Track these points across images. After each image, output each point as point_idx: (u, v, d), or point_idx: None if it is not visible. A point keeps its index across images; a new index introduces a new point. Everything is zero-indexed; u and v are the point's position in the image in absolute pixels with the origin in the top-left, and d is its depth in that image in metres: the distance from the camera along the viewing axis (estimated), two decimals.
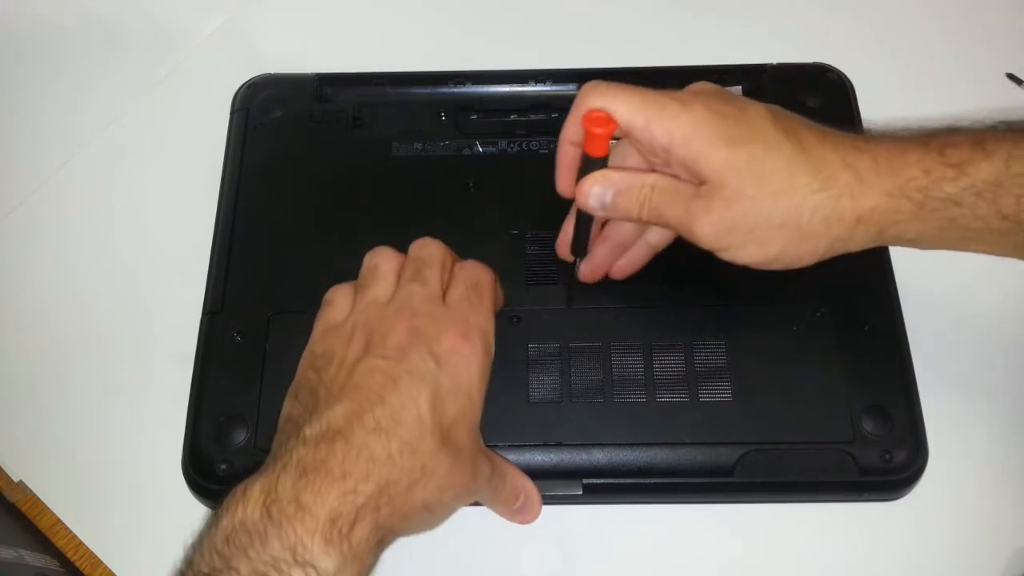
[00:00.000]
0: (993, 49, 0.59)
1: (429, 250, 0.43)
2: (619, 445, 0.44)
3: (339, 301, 0.42)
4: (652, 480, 0.44)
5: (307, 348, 0.41)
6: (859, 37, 0.60)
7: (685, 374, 0.45)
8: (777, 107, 0.41)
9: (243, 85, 0.56)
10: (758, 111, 0.40)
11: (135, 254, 0.54)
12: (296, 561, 0.32)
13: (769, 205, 0.38)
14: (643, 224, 0.44)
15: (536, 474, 0.44)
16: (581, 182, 0.41)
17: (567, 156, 0.43)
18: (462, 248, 0.49)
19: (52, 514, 0.47)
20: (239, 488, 0.35)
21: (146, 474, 0.47)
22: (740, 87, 0.55)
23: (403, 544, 0.44)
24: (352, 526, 0.34)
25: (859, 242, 0.39)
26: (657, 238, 0.46)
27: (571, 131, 0.42)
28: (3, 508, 0.47)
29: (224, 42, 0.62)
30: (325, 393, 0.38)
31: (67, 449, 0.48)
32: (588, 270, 0.47)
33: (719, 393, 0.44)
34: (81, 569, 0.46)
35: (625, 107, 0.40)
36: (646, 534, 0.45)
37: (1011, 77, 0.58)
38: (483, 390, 0.39)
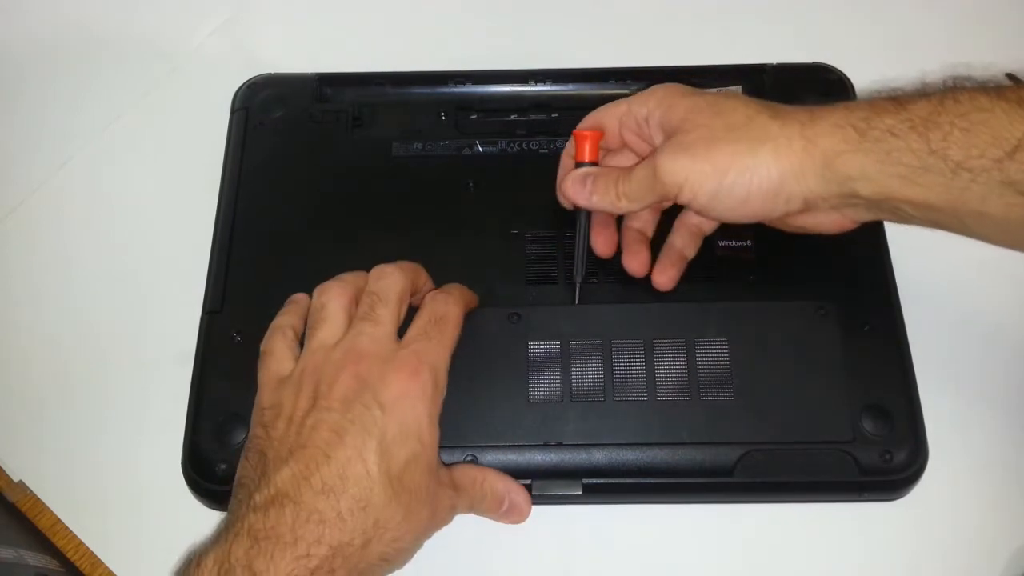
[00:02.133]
0: (993, 49, 0.59)
1: (387, 283, 0.42)
2: (619, 445, 0.44)
3: (277, 350, 0.42)
4: (652, 480, 0.44)
5: (256, 401, 0.41)
6: (859, 37, 0.60)
7: (687, 372, 0.45)
8: None
9: (243, 85, 0.56)
10: (727, 93, 0.46)
11: (135, 254, 0.54)
12: None
13: (724, 131, 0.41)
14: (623, 203, 0.45)
15: (536, 474, 0.44)
16: (566, 178, 0.46)
17: (566, 169, 0.48)
18: (462, 248, 0.49)
19: (52, 514, 0.47)
20: (192, 560, 0.35)
21: (146, 474, 0.47)
22: (739, 87, 0.55)
23: None
24: None
25: (810, 179, 0.40)
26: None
27: (568, 146, 0.48)
28: (3, 508, 0.47)
29: (224, 42, 0.62)
30: (273, 454, 0.38)
31: (67, 449, 0.48)
32: (637, 265, 0.48)
33: (720, 392, 0.44)
34: (81, 569, 0.46)
35: (609, 111, 0.47)
36: (646, 534, 0.45)
37: (1011, 77, 0.58)
38: (434, 429, 0.39)
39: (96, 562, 0.46)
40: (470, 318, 0.45)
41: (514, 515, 0.43)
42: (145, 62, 0.61)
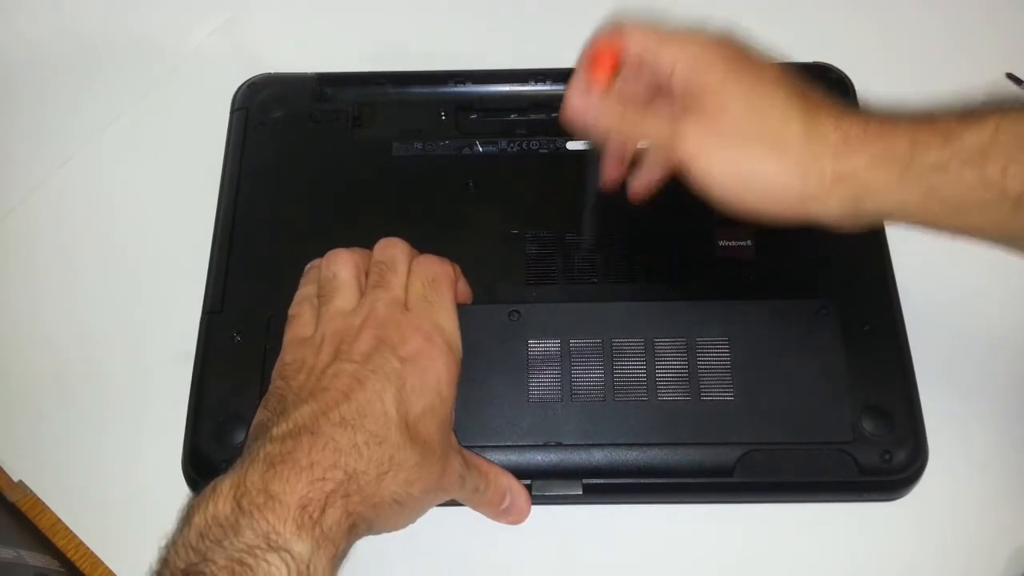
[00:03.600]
0: (993, 49, 0.59)
1: (392, 252, 0.43)
2: (619, 445, 0.44)
3: (304, 315, 0.43)
4: (652, 480, 0.44)
5: (278, 360, 0.42)
6: (859, 37, 0.60)
7: (687, 372, 0.45)
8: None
9: (243, 85, 0.56)
10: (767, 57, 0.41)
11: (135, 254, 0.54)
12: (270, 547, 0.33)
13: (754, 122, 0.39)
14: (624, 139, 0.44)
15: (536, 474, 0.44)
16: (570, 86, 0.43)
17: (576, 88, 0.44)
18: (462, 248, 0.49)
19: (52, 514, 0.47)
20: (208, 487, 0.35)
21: (146, 474, 0.47)
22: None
23: (403, 544, 0.44)
24: (322, 511, 0.34)
25: (834, 206, 0.39)
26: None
27: (581, 61, 0.44)
28: (3, 508, 0.47)
29: (224, 42, 0.62)
30: (293, 397, 0.39)
31: (67, 449, 0.48)
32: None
33: (721, 392, 0.44)
34: (81, 569, 0.46)
35: (636, 38, 0.42)
36: (646, 534, 0.45)
37: (1011, 77, 0.58)
38: (452, 387, 0.40)
39: (96, 562, 0.46)
40: (470, 314, 0.45)
41: (513, 515, 0.43)
42: (145, 62, 0.60)
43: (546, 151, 0.53)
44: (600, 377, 0.45)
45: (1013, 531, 0.45)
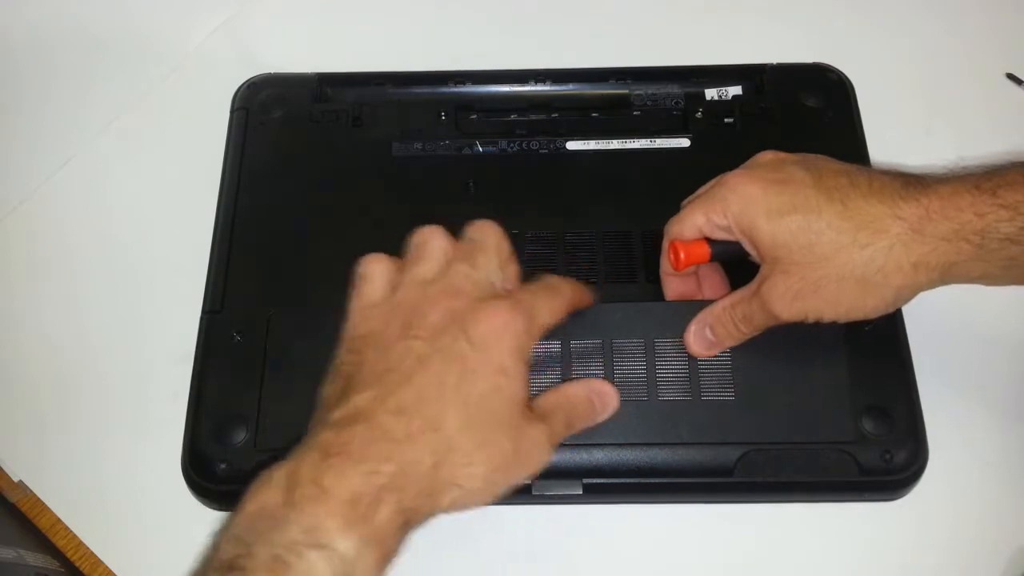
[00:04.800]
0: (993, 49, 0.59)
1: (485, 233, 0.42)
2: (619, 445, 0.44)
3: (376, 277, 0.41)
4: (652, 480, 0.44)
5: (346, 328, 0.41)
6: (859, 37, 0.60)
7: (687, 372, 0.45)
8: (824, 163, 0.42)
9: (243, 85, 0.56)
10: (801, 175, 0.41)
11: (135, 253, 0.54)
12: (314, 543, 0.32)
13: (822, 267, 0.40)
14: (751, 335, 0.44)
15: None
16: (686, 334, 0.45)
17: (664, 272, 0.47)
18: None
19: (52, 514, 0.47)
20: (264, 474, 0.35)
21: (146, 474, 0.47)
22: (740, 85, 0.55)
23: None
24: (375, 508, 0.34)
25: (925, 284, 0.40)
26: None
27: (664, 264, 0.47)
28: (3, 508, 0.47)
29: (224, 42, 0.62)
30: (359, 378, 0.38)
31: (67, 449, 0.48)
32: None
33: (721, 392, 0.44)
34: (81, 569, 0.46)
35: (686, 222, 0.44)
36: (646, 534, 0.45)
37: (1011, 77, 0.58)
38: (520, 365, 0.38)
39: (96, 562, 0.46)
40: None
41: (607, 406, 0.42)
42: (145, 62, 0.60)
43: (546, 151, 0.53)
44: (601, 376, 0.44)
45: (1013, 531, 0.45)
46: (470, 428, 0.36)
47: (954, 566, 0.44)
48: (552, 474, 0.44)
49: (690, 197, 0.46)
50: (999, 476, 0.46)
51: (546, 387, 0.44)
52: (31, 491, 0.47)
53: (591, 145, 0.53)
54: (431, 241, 0.42)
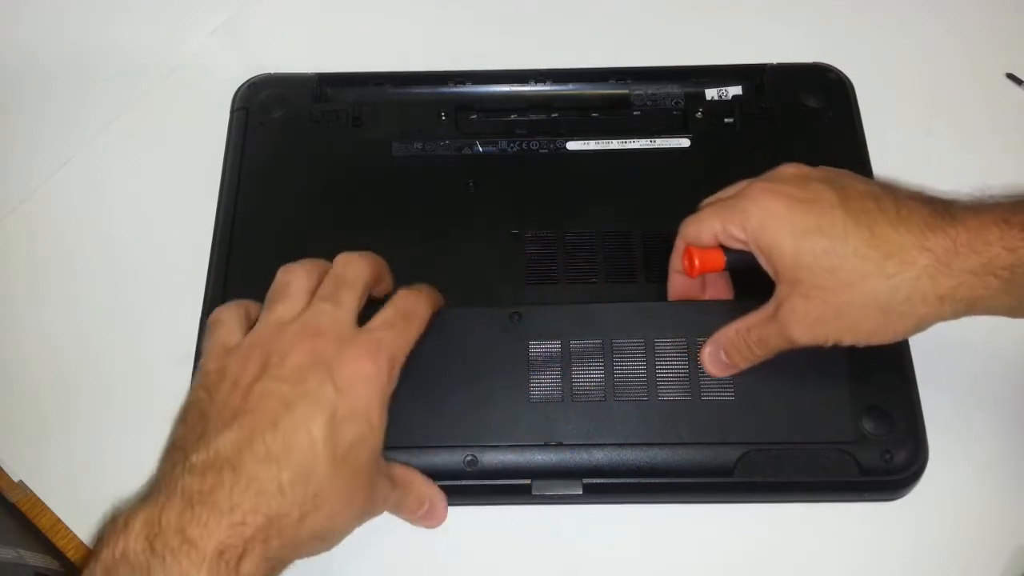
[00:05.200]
0: (993, 49, 0.59)
1: (353, 268, 0.42)
2: (619, 445, 0.44)
3: (228, 320, 0.41)
4: (652, 480, 0.44)
5: (199, 367, 0.40)
6: (859, 37, 0.60)
7: (688, 372, 0.44)
8: (850, 182, 0.41)
9: (243, 85, 0.56)
10: (828, 196, 0.40)
11: (135, 254, 0.54)
12: None
13: (845, 294, 0.39)
14: (766, 358, 0.43)
15: (536, 474, 0.44)
16: (700, 354, 0.44)
17: (675, 271, 0.46)
18: (462, 248, 0.49)
19: (52, 514, 0.47)
20: (119, 519, 0.34)
21: (146, 474, 0.47)
22: (740, 85, 0.55)
23: (403, 543, 0.44)
24: (240, 559, 0.33)
25: (950, 316, 0.39)
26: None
27: (676, 263, 0.45)
28: (3, 508, 0.47)
29: (224, 42, 0.62)
30: (216, 416, 0.37)
31: (67, 449, 0.48)
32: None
33: (722, 392, 0.44)
34: (81, 569, 0.46)
35: (703, 226, 0.43)
36: (646, 534, 0.45)
37: (1011, 77, 0.58)
38: (383, 415, 0.38)
39: None
40: (470, 315, 0.45)
41: (429, 519, 0.43)
42: (145, 62, 0.60)
43: (546, 151, 0.53)
44: (601, 377, 0.45)
45: (1013, 531, 0.45)
46: (337, 479, 0.36)
47: (954, 566, 0.44)
48: (552, 474, 0.44)
49: (710, 198, 0.44)
50: (999, 476, 0.46)
51: (546, 387, 0.45)
52: (31, 491, 0.47)
53: (591, 145, 0.53)
54: (293, 282, 0.41)
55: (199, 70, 0.60)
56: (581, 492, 0.44)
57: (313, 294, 0.41)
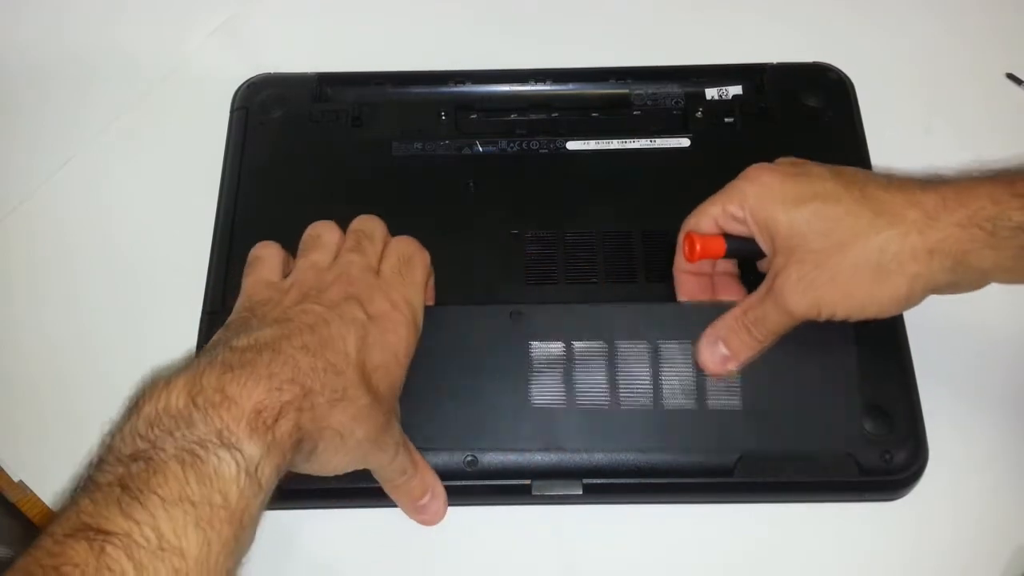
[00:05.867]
0: (993, 49, 0.59)
1: (370, 224, 0.45)
2: (619, 446, 0.44)
3: (269, 259, 0.43)
4: (652, 480, 0.44)
5: (241, 297, 0.42)
6: (859, 37, 0.60)
7: (693, 377, 0.44)
8: (844, 167, 0.43)
9: (243, 84, 0.56)
10: (820, 170, 0.42)
11: (135, 254, 0.54)
12: (222, 443, 0.33)
13: (838, 255, 0.40)
14: (764, 344, 0.43)
15: (536, 474, 0.44)
16: (698, 351, 0.44)
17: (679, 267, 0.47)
18: (462, 248, 0.49)
19: (52, 514, 0.47)
20: (160, 380, 0.35)
21: None
22: (740, 85, 0.55)
23: (402, 543, 0.44)
24: (276, 419, 0.34)
25: (939, 277, 0.39)
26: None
27: (681, 261, 0.46)
28: (3, 508, 0.47)
29: (224, 42, 0.62)
30: (257, 322, 0.39)
31: (67, 449, 0.48)
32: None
33: (727, 396, 0.43)
34: None
35: (704, 213, 0.44)
36: (646, 534, 0.45)
37: (1011, 77, 0.58)
38: (408, 356, 0.41)
39: None
40: (469, 314, 0.45)
41: (427, 515, 0.43)
42: (145, 62, 0.60)
43: (546, 151, 0.53)
44: (604, 381, 0.44)
45: (1013, 531, 0.45)
46: (364, 388, 0.38)
47: (954, 566, 0.44)
48: (552, 474, 0.44)
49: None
50: (999, 476, 0.46)
51: (547, 390, 0.44)
52: (31, 491, 0.47)
53: (591, 145, 0.53)
54: (324, 234, 0.44)
55: (199, 70, 0.60)
56: (581, 492, 0.44)
57: (339, 246, 0.44)
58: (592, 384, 0.44)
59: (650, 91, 0.55)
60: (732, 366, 0.44)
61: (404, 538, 0.44)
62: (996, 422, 0.47)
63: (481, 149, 0.53)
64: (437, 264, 0.46)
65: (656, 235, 0.49)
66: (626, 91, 0.56)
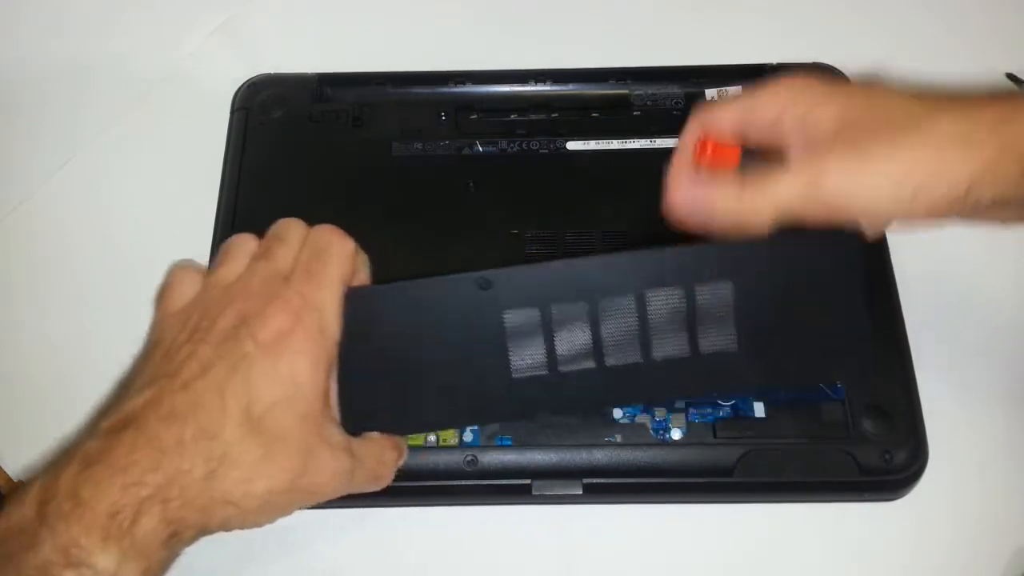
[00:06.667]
0: (993, 49, 0.59)
1: (285, 226, 0.41)
2: (619, 445, 0.44)
3: (178, 285, 0.40)
4: (652, 480, 0.44)
5: (148, 333, 0.40)
6: (859, 37, 0.60)
7: (683, 323, 0.40)
8: None
9: (243, 85, 0.56)
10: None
11: (135, 254, 0.54)
12: (68, 562, 0.30)
13: (887, 129, 0.35)
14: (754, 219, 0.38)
15: (536, 474, 0.44)
16: (671, 184, 0.40)
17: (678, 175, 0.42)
18: (462, 248, 0.49)
19: None
20: (21, 487, 0.33)
21: None
22: (740, 85, 0.55)
23: (401, 542, 0.44)
24: (134, 520, 0.32)
25: (1003, 184, 0.34)
26: None
27: (682, 155, 0.42)
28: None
29: (224, 42, 0.62)
30: (138, 383, 0.36)
31: (116, 382, 0.48)
32: None
33: (723, 341, 0.40)
34: None
35: (724, 112, 0.40)
36: (646, 534, 0.45)
37: (1011, 77, 0.58)
38: (316, 375, 0.36)
39: None
40: (431, 288, 0.40)
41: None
42: (146, 62, 0.60)
43: (546, 151, 0.53)
44: (588, 342, 0.40)
45: (1013, 531, 0.45)
46: (251, 441, 0.34)
47: (954, 566, 0.44)
48: (552, 474, 0.44)
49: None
50: (999, 476, 0.46)
51: (529, 360, 0.40)
52: None
53: (591, 145, 0.53)
54: (234, 247, 0.40)
55: (199, 70, 0.60)
56: (581, 492, 0.44)
57: (251, 254, 0.40)
58: (577, 346, 0.40)
59: (650, 91, 0.55)
60: (695, 217, 0.39)
61: (404, 538, 0.44)
62: (996, 422, 0.47)
63: (481, 149, 0.53)
64: (437, 265, 0.46)
65: (656, 235, 0.49)
66: (626, 91, 0.56)
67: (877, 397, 0.45)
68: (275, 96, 0.55)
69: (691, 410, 0.45)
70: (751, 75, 0.55)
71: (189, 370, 0.35)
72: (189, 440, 0.33)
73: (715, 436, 0.44)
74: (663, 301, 0.40)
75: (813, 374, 0.42)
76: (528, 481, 0.44)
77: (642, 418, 0.45)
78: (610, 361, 0.40)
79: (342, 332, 0.38)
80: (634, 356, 0.40)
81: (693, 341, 0.40)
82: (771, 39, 0.60)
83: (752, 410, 0.45)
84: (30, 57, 0.61)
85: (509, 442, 0.44)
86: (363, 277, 0.41)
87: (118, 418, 0.34)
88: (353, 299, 0.39)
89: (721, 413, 0.45)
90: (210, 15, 0.63)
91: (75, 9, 0.63)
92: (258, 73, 0.57)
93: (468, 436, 0.44)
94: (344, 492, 0.38)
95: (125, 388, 0.36)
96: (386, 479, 0.40)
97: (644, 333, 0.40)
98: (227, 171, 0.53)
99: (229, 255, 0.40)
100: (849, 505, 0.45)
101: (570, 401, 0.40)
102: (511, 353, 0.40)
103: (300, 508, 0.37)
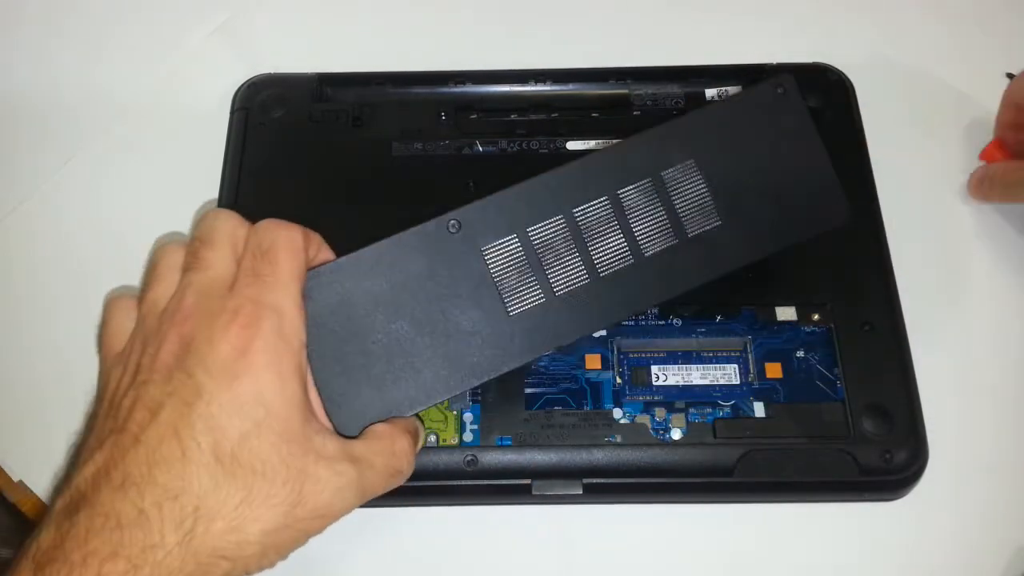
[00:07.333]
0: (993, 49, 0.59)
1: (210, 223, 0.36)
2: (619, 445, 0.44)
3: (113, 320, 0.36)
4: (652, 480, 0.44)
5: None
6: (859, 37, 0.60)
7: (664, 214, 0.40)
8: None
9: (243, 85, 0.56)
10: None
11: (135, 254, 0.53)
12: None
13: None
14: None
15: (536, 474, 0.44)
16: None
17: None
18: None
19: None
20: None
21: None
22: (740, 85, 0.55)
23: (400, 542, 0.44)
24: None
25: None
26: None
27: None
28: (3, 508, 0.47)
29: (224, 42, 0.62)
30: (86, 449, 0.32)
31: (67, 449, 0.48)
32: None
33: (707, 221, 0.40)
34: None
35: None
36: (646, 534, 0.45)
37: (1011, 77, 0.58)
38: (285, 388, 0.32)
39: None
40: (401, 244, 0.39)
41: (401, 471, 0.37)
42: (145, 62, 0.60)
43: (546, 151, 0.53)
44: (577, 259, 0.40)
45: (1014, 531, 0.45)
46: (228, 484, 0.30)
47: (954, 566, 0.44)
48: (552, 474, 0.44)
49: None
50: (999, 476, 0.46)
51: (521, 293, 0.39)
52: (31, 491, 0.47)
53: (591, 145, 0.53)
54: (160, 260, 0.36)
55: (199, 71, 0.60)
56: (581, 492, 0.44)
57: (179, 267, 0.36)
58: (566, 267, 0.40)
59: (650, 91, 0.55)
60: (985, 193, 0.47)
61: (404, 538, 0.44)
62: (996, 422, 0.47)
63: (481, 149, 0.53)
64: None
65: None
66: (626, 91, 0.56)
67: (877, 397, 0.45)
68: (275, 96, 0.55)
69: (691, 410, 0.45)
70: (751, 75, 0.55)
71: (137, 419, 0.31)
72: (151, 507, 0.29)
73: (715, 436, 0.44)
74: (636, 195, 0.40)
75: (795, 231, 0.41)
76: (528, 481, 0.44)
77: (642, 418, 0.45)
78: (603, 271, 0.39)
79: (309, 325, 0.35)
80: (625, 259, 0.39)
81: (677, 226, 0.40)
82: (771, 39, 0.60)
83: (752, 410, 0.45)
84: (30, 57, 0.61)
85: (509, 442, 0.44)
86: (325, 257, 0.38)
87: (70, 496, 0.30)
88: (314, 283, 0.37)
89: (721, 413, 0.45)
90: (210, 15, 0.62)
91: (74, 10, 0.63)
92: (258, 73, 0.57)
93: (468, 436, 0.44)
94: (359, 502, 0.34)
95: (78, 452, 0.33)
96: (406, 470, 0.37)
97: (628, 233, 0.39)
98: (227, 171, 0.53)
99: (154, 274, 0.35)
100: (849, 505, 0.45)
101: (573, 324, 0.39)
102: (502, 290, 0.38)
103: (313, 536, 0.33)
